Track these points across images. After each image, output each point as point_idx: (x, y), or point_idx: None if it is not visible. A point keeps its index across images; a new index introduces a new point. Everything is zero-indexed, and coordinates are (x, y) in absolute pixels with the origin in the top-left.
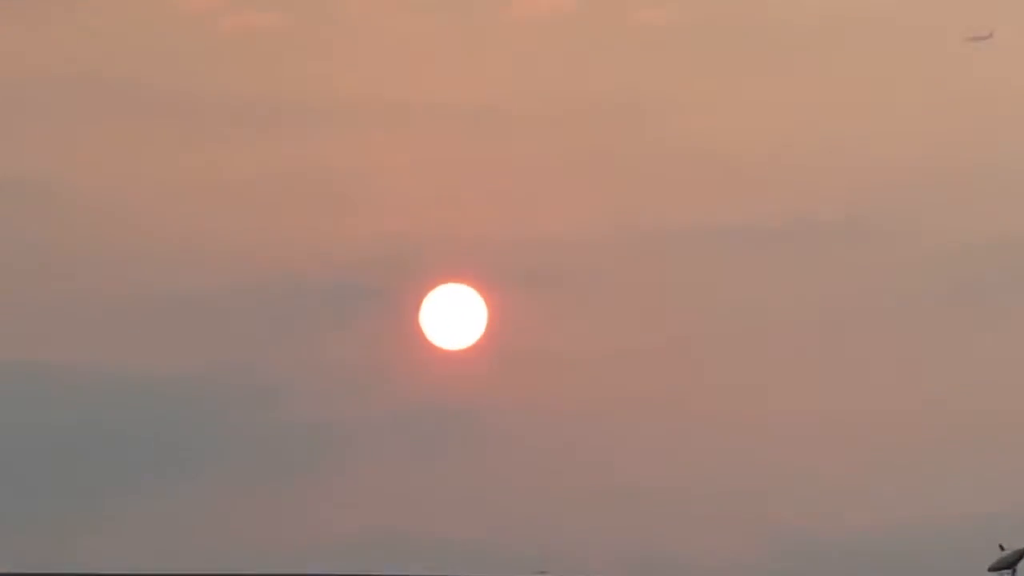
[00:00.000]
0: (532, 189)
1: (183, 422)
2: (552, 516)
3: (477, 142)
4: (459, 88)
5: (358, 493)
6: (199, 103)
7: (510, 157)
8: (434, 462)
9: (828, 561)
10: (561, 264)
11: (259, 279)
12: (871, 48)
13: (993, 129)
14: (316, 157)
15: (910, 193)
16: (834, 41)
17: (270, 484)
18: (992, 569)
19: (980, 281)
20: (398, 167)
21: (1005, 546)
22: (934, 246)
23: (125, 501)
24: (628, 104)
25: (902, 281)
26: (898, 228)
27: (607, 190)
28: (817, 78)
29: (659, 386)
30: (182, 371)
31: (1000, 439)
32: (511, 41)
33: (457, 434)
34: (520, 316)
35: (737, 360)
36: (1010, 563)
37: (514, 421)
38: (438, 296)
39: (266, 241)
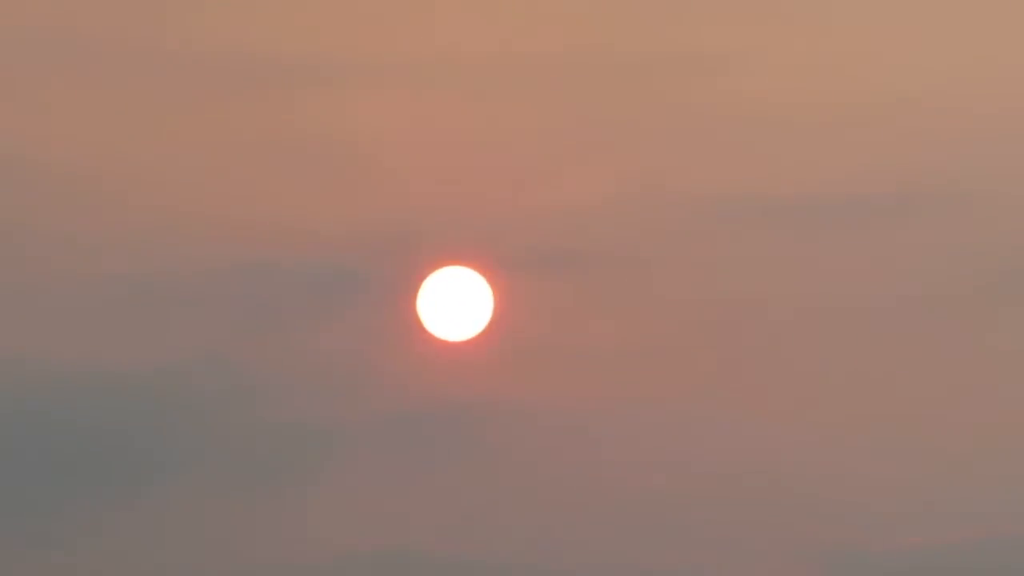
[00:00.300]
0: (547, 158)
1: (148, 422)
2: (567, 529)
3: (482, 104)
4: (462, 42)
5: (346, 504)
6: (163, 61)
7: (521, 121)
8: (432, 468)
9: None
10: (579, 244)
11: (234, 262)
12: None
13: None
14: (297, 122)
15: (987, 164)
16: None
17: (246, 494)
18: None
19: None
20: (391, 133)
21: None
22: (1014, 224)
23: (87, 509)
24: (658, 60)
25: (979, 265)
26: (975, 204)
27: (633, 160)
28: (881, 29)
29: (692, 382)
30: (147, 365)
31: None
32: None
33: (459, 436)
34: (532, 303)
35: (783, 352)
36: None
37: (524, 422)
38: (437, 280)
39: (241, 220)
